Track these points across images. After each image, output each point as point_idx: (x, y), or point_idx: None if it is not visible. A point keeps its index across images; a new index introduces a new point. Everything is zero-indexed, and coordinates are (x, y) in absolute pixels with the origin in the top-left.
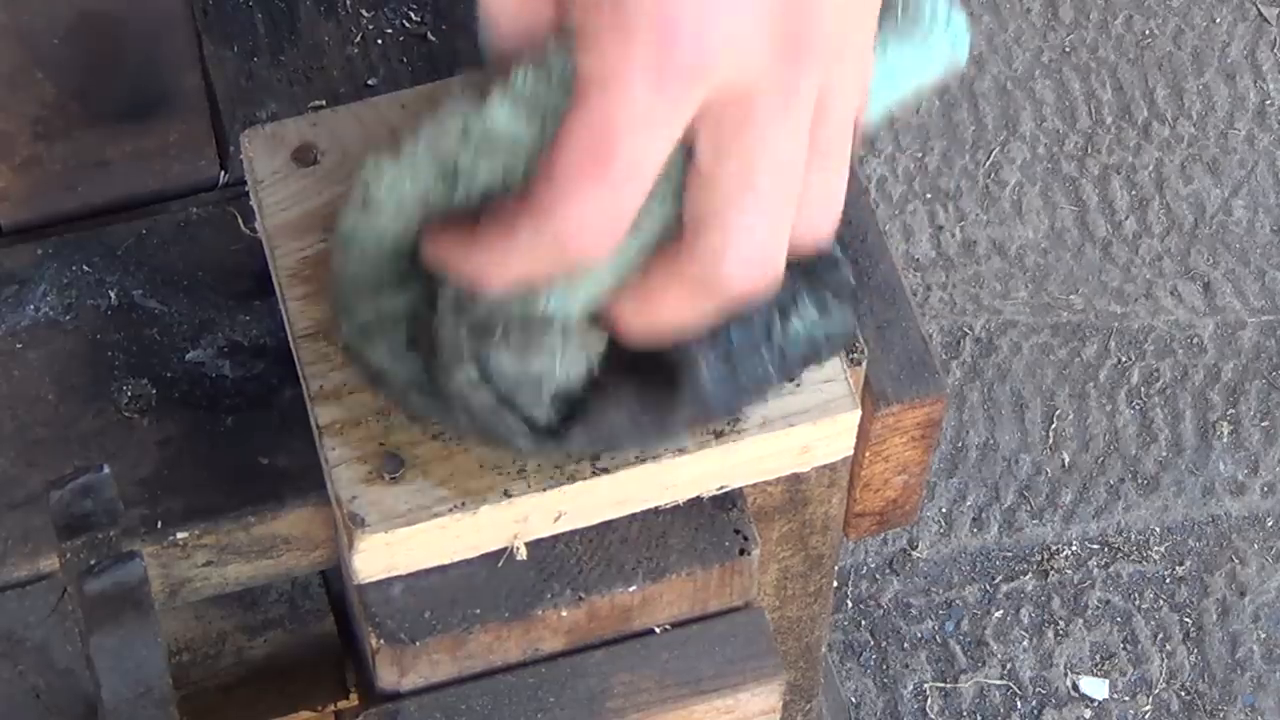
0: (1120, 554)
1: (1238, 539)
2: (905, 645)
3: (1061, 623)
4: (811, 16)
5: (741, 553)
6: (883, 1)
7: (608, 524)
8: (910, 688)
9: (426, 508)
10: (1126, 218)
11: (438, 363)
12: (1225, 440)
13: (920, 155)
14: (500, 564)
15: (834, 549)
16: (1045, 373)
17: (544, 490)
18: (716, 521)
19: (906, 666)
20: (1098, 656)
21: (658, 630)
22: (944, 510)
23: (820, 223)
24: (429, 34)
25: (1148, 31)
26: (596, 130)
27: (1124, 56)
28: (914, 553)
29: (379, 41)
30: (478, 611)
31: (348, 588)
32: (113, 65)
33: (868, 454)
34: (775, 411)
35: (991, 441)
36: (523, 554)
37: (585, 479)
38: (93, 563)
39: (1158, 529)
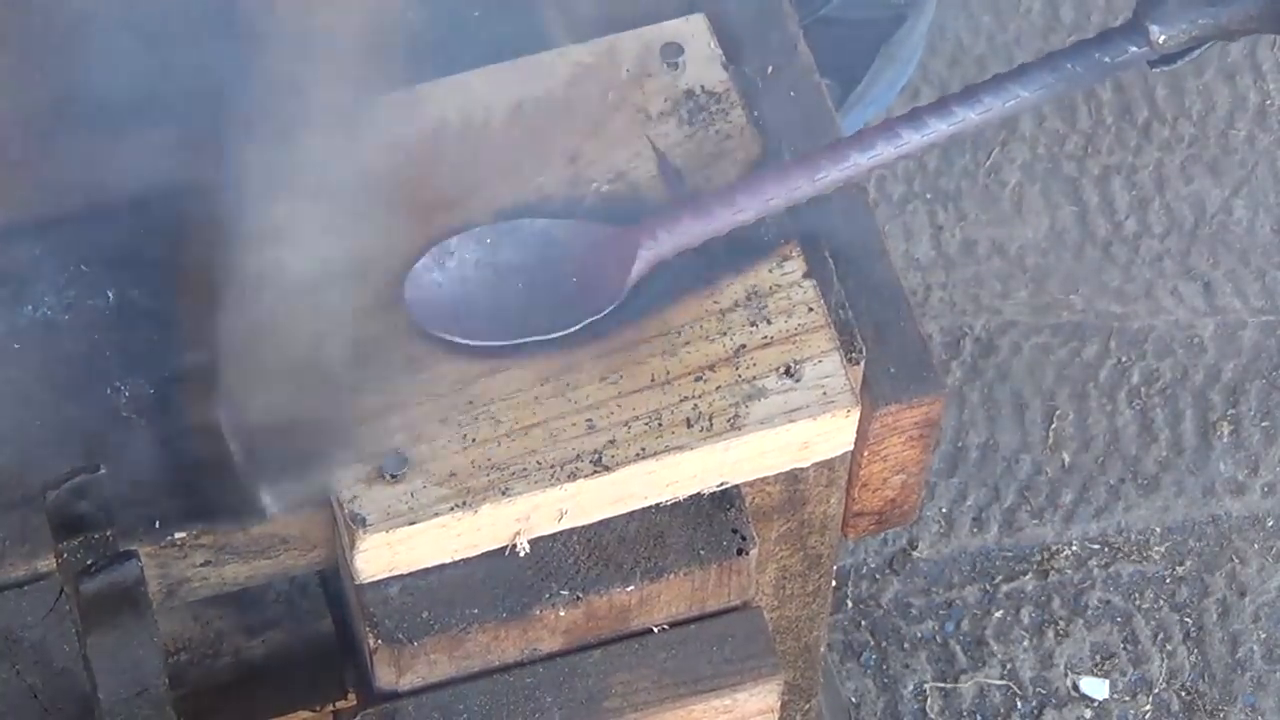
0: (1120, 554)
1: (1238, 539)
2: (905, 645)
3: (1062, 623)
4: None
5: (739, 552)
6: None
7: (605, 523)
8: (910, 688)
9: (427, 507)
10: (1127, 218)
11: None
12: (1225, 440)
13: (920, 155)
14: (506, 555)
15: (833, 548)
16: (1045, 373)
17: (545, 488)
18: (714, 521)
19: (906, 666)
20: (1098, 656)
21: (655, 630)
22: (944, 510)
23: None
24: (429, 34)
25: None
26: None
27: None
28: (914, 553)
29: None
30: (475, 611)
31: (346, 588)
32: (113, 65)
33: (866, 453)
34: (776, 408)
35: (991, 441)
36: (525, 550)
37: (586, 476)
38: (89, 563)
39: (1158, 529)
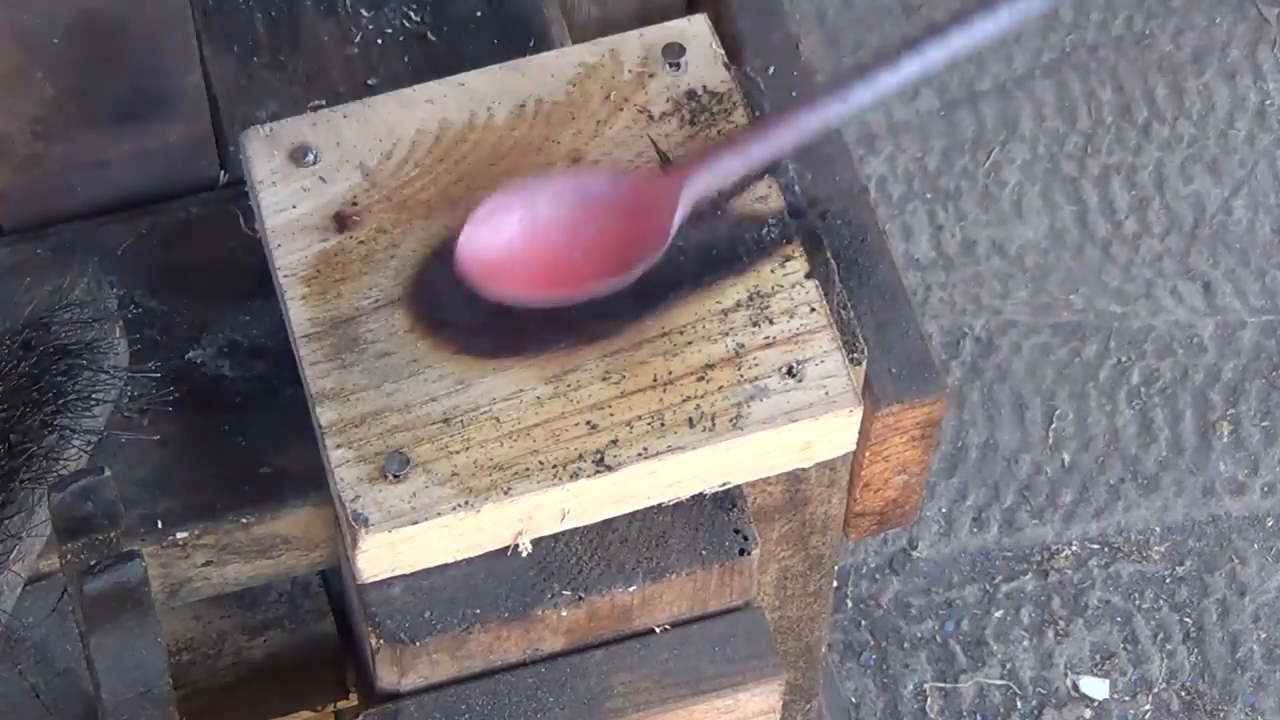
0: (1120, 554)
1: (1238, 539)
2: (905, 645)
3: (1062, 623)
4: None
5: (741, 552)
6: None
7: (608, 524)
8: (910, 688)
9: (429, 506)
10: (1126, 218)
11: None
12: (1225, 440)
13: (920, 155)
14: (509, 554)
15: (834, 549)
16: (1045, 373)
17: (547, 488)
18: (716, 521)
19: (906, 666)
20: (1098, 656)
21: (657, 630)
22: (944, 510)
23: None
24: (429, 34)
25: (1148, 31)
26: None
27: (1124, 56)
28: (914, 553)
29: (379, 41)
30: (477, 611)
31: (348, 588)
32: (113, 65)
33: (868, 454)
34: (778, 408)
35: (991, 441)
36: (528, 549)
37: (589, 476)
38: (93, 563)
39: (1158, 529)
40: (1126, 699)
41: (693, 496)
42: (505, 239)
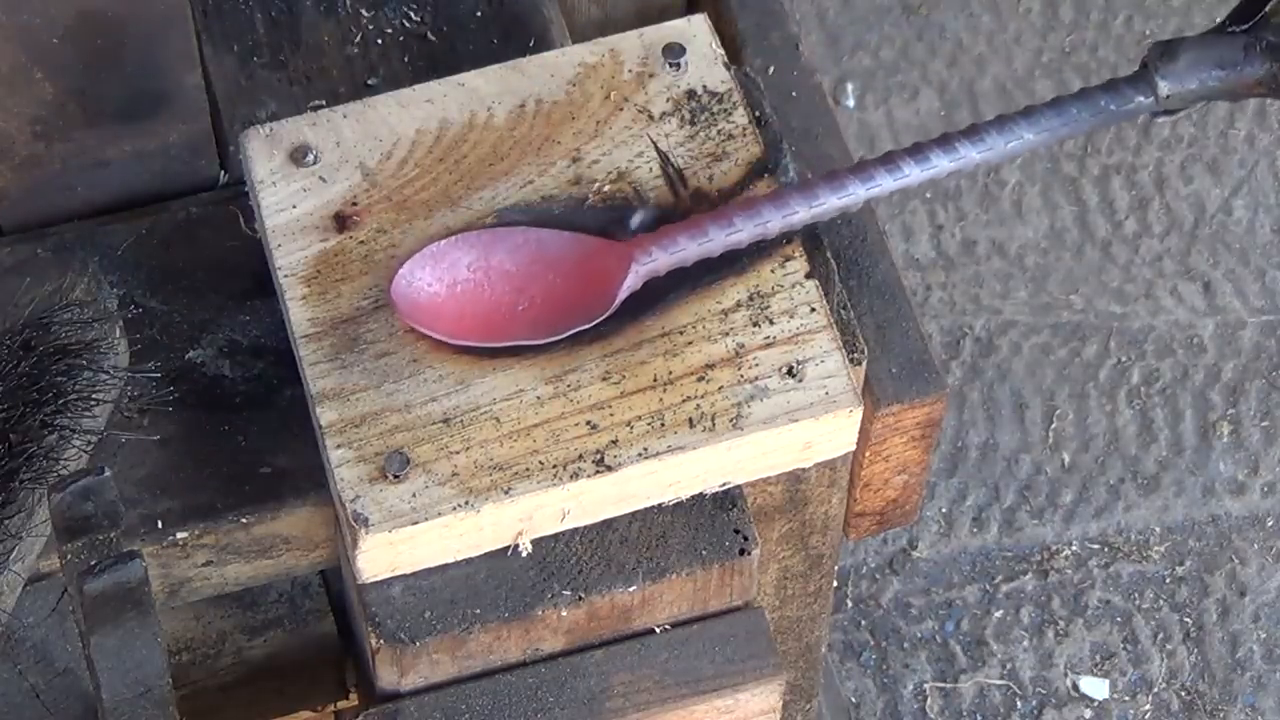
0: (1120, 554)
1: (1238, 539)
2: (905, 645)
3: (1061, 623)
4: None
5: (741, 552)
6: None
7: (608, 524)
8: (910, 688)
9: (430, 507)
10: (1126, 218)
11: None
12: (1225, 440)
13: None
14: (509, 554)
15: (834, 549)
16: (1045, 373)
17: (547, 488)
18: (716, 521)
19: (906, 666)
20: (1098, 656)
21: (657, 630)
22: (944, 510)
23: None
24: (429, 34)
25: (1148, 31)
26: None
27: (1124, 56)
28: (914, 553)
29: (379, 41)
30: (478, 611)
31: (348, 588)
32: (113, 65)
33: (868, 454)
34: (778, 408)
35: (991, 441)
36: (528, 549)
37: (589, 476)
38: (93, 563)
39: (1158, 529)
40: (1126, 699)
41: (693, 496)
42: (448, 282)
